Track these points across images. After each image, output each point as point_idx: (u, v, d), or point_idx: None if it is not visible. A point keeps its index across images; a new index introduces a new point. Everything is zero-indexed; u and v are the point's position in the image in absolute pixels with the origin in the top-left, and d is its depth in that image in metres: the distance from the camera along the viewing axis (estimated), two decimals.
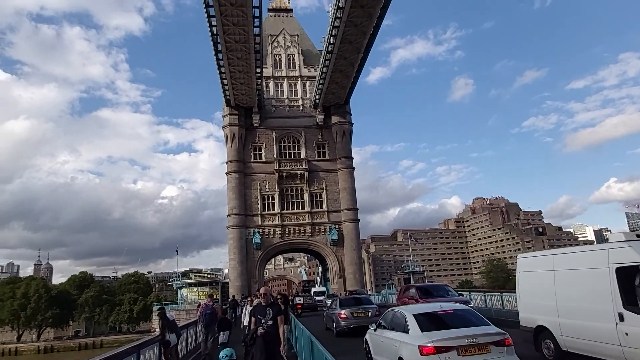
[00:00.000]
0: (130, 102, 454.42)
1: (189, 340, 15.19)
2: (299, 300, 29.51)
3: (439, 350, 7.39)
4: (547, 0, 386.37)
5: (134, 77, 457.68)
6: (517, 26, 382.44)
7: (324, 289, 47.45)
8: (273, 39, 56.19)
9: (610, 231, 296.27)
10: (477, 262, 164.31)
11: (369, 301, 19.56)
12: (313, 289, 46.39)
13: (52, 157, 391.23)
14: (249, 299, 19.60)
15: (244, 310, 18.62)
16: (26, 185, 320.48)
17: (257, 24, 36.72)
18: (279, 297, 10.78)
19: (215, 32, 37.42)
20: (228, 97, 49.59)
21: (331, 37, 39.72)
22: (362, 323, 15.33)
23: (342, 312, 16.96)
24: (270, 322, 7.54)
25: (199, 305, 14.93)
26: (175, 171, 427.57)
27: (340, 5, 35.06)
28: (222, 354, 6.11)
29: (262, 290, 8.29)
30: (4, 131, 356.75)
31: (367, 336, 11.02)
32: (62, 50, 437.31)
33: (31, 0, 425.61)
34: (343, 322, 16.75)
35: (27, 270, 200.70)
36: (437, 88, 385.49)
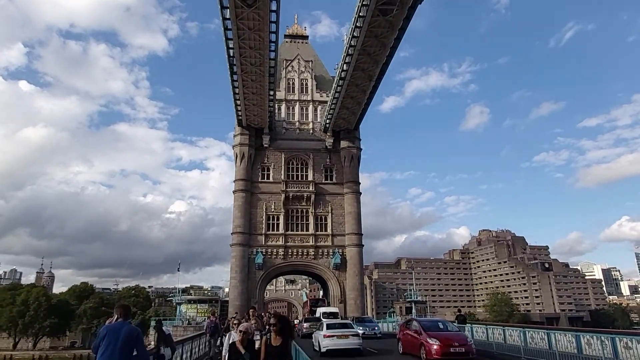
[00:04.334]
0: (148, 118, 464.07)
1: (194, 351, 17.14)
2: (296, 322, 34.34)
3: (329, 335, 18.73)
4: (562, 40, 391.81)
5: (153, 94, 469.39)
6: (533, 62, 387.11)
7: (336, 309, 38.26)
8: (287, 64, 57.49)
9: (619, 271, 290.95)
10: (481, 294, 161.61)
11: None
12: (322, 310, 36.47)
13: (64, 167, 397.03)
14: (233, 319, 14.76)
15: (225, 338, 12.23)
16: (36, 193, 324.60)
17: (272, 48, 37.73)
18: (271, 319, 6.82)
19: (232, 55, 38.49)
20: (240, 118, 50.52)
21: (344, 64, 40.62)
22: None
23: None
24: None
25: (208, 318, 20.57)
26: (186, 187, 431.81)
27: (354, 34, 36.00)
28: None
29: (241, 327, 7.25)
30: (20, 138, 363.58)
31: (314, 335, 21.70)
32: (86, 66, 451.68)
33: (62, 17, 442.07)
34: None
35: (29, 278, 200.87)
36: (450, 118, 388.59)
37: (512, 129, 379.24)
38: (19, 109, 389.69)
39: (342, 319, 33.70)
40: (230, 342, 7.39)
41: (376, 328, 29.63)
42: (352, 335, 19.27)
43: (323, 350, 18.90)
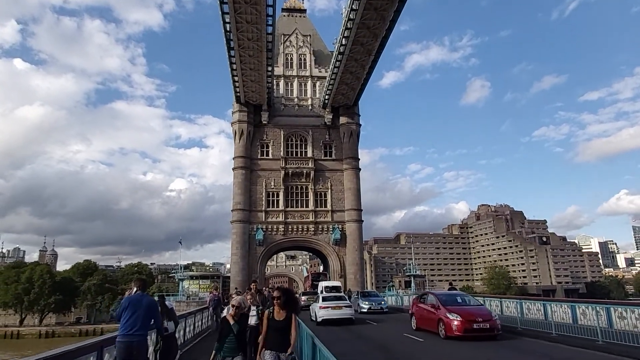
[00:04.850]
0: (145, 96, 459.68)
1: (197, 324, 17.56)
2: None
3: (325, 306, 20.55)
4: (565, 12, 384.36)
5: (150, 71, 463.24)
6: (535, 34, 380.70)
7: (338, 283, 37.17)
8: (285, 39, 56.54)
9: (616, 244, 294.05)
10: (479, 268, 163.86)
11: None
12: (323, 284, 34.74)
13: (63, 145, 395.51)
14: (232, 294, 15.97)
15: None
16: (36, 172, 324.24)
17: (270, 22, 37.09)
18: (274, 292, 6.38)
19: (228, 29, 37.79)
20: (238, 94, 50.04)
21: (343, 39, 40.00)
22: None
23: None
24: None
25: (211, 293, 21.67)
26: (185, 165, 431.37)
27: (353, 7, 35.32)
28: None
29: (233, 302, 6.93)
30: (18, 116, 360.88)
31: (311, 307, 23.09)
32: (81, 42, 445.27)
33: None
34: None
35: (32, 256, 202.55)
36: (451, 93, 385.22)
37: (513, 103, 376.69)
38: (14, 88, 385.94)
39: (344, 293, 34.16)
40: (222, 316, 7.26)
41: (383, 302, 28.32)
42: (345, 306, 21.16)
43: (319, 320, 20.55)
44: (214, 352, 6.31)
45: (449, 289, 23.26)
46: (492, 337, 14.19)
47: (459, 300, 16.36)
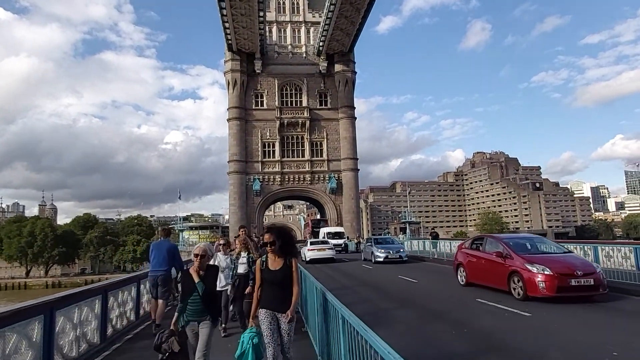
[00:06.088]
0: (134, 46, 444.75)
1: None
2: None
3: (312, 249, 25.93)
4: None
5: (138, 19, 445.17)
6: None
7: (341, 229, 37.88)
8: None
9: (607, 189, 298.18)
10: (473, 214, 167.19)
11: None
12: (325, 230, 35.80)
13: (53, 99, 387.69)
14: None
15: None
16: (28, 126, 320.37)
17: None
18: (265, 235, 4.91)
19: None
20: (230, 42, 48.48)
21: None
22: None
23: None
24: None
25: (214, 244, 23.26)
26: (180, 117, 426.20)
27: None
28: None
29: (195, 250, 4.87)
30: (4, 69, 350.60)
31: (301, 250, 25.99)
32: None
33: None
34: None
35: (32, 211, 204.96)
36: (450, 37, 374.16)
37: (513, 47, 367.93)
38: None
39: (349, 239, 36.51)
40: (185, 268, 5.28)
41: (402, 250, 23.99)
42: (328, 249, 25.92)
43: (307, 259, 25.16)
44: (176, 313, 4.71)
45: (430, 233, 23.58)
46: (590, 297, 10.04)
47: (528, 246, 11.84)
